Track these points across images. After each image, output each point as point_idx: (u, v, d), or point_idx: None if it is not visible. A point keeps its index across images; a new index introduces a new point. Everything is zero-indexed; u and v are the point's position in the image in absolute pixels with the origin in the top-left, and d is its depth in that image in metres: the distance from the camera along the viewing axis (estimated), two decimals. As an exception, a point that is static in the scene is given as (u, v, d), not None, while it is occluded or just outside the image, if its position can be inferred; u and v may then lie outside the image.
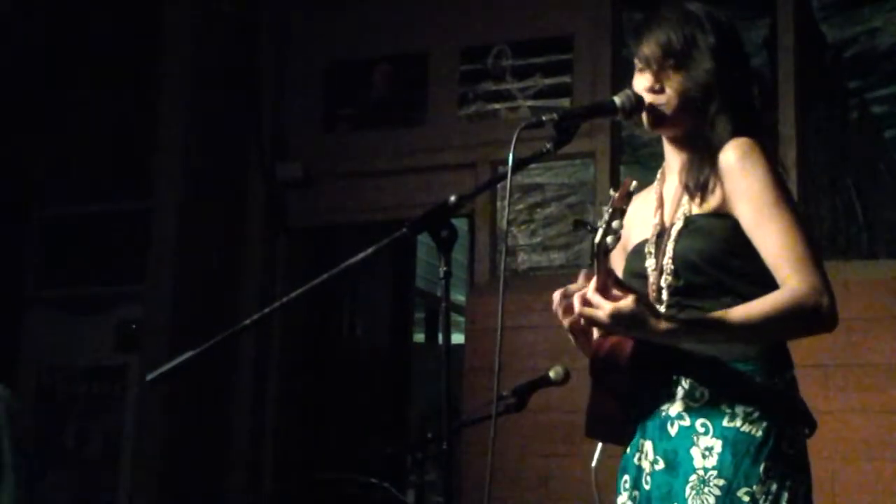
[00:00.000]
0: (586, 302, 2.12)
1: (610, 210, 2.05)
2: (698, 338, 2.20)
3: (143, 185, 5.50)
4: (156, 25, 5.54)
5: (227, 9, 5.65)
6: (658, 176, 2.47)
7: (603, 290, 2.11)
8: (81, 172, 5.77)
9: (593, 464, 2.48)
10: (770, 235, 2.20)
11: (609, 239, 2.05)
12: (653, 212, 2.40)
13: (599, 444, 2.48)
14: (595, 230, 2.07)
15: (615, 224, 2.04)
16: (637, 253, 2.38)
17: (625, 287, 2.14)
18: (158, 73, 5.51)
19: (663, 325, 2.14)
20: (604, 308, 2.09)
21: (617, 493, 2.37)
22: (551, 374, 3.40)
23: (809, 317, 2.18)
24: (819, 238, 4.53)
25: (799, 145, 4.60)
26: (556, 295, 2.21)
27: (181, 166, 5.41)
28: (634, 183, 2.08)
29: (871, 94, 4.61)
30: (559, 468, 4.68)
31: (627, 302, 2.09)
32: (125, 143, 5.67)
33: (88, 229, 5.85)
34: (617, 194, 2.06)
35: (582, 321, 2.16)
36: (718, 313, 2.17)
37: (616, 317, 2.09)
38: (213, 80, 5.54)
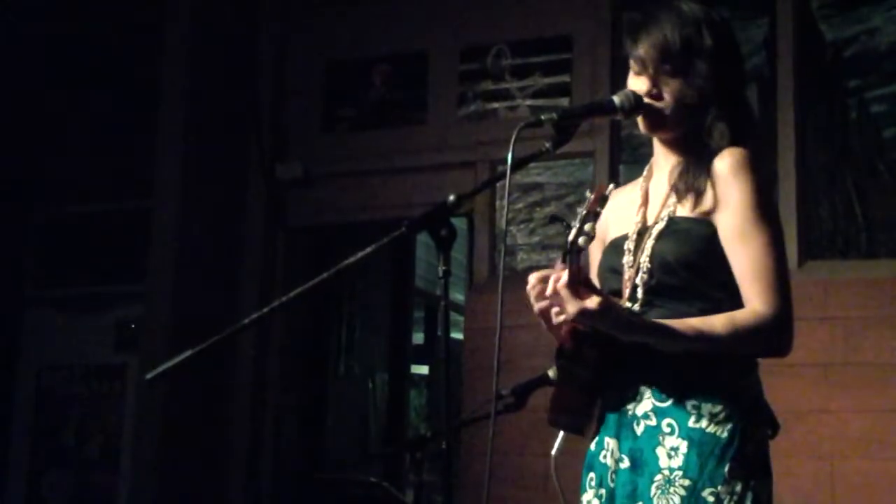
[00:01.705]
0: (556, 292, 2.14)
1: (584, 213, 2.07)
2: (657, 342, 2.20)
3: (142, 185, 5.50)
4: (156, 25, 5.54)
5: (227, 9, 5.65)
6: (645, 172, 2.47)
7: (572, 287, 2.11)
8: (81, 171, 5.77)
9: (553, 452, 2.49)
10: (744, 254, 2.21)
11: (581, 240, 2.07)
12: (636, 208, 2.40)
13: (561, 433, 2.48)
14: (569, 227, 2.09)
15: (587, 227, 2.06)
16: (615, 248, 2.38)
17: (592, 287, 2.16)
18: (158, 73, 5.51)
19: (626, 327, 2.17)
20: (571, 303, 2.11)
21: (582, 490, 2.37)
22: (550, 373, 3.39)
23: (766, 342, 2.21)
24: (819, 237, 4.53)
25: (798, 144, 4.60)
26: (532, 277, 2.21)
27: (181, 166, 5.41)
28: (611, 187, 2.10)
29: (870, 93, 4.61)
30: (558, 467, 4.68)
31: (592, 303, 2.10)
32: (125, 142, 5.67)
33: (88, 228, 5.85)
34: (592, 197, 2.07)
35: (552, 311, 2.17)
36: (680, 323, 2.18)
37: (582, 314, 2.11)
38: (212, 80, 5.54)
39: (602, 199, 2.07)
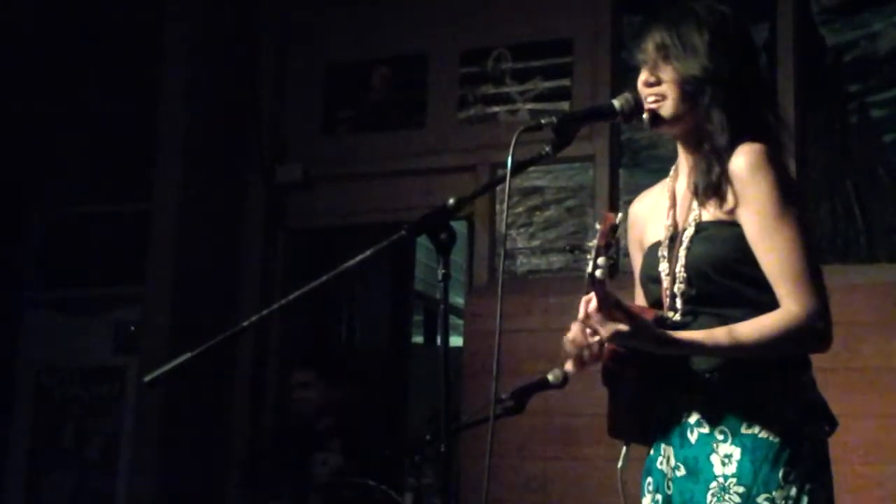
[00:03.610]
0: (588, 315, 2.15)
1: (595, 247, 2.06)
2: (693, 355, 2.21)
3: (142, 187, 5.50)
4: (156, 27, 5.54)
5: (228, 11, 5.65)
6: (671, 172, 2.46)
7: (604, 310, 2.12)
8: (81, 173, 5.77)
9: (619, 464, 2.48)
10: (771, 252, 2.19)
11: (599, 272, 2.07)
12: (665, 211, 2.39)
13: (624, 446, 2.48)
14: (581, 252, 2.09)
15: (601, 261, 2.06)
16: (651, 255, 2.38)
17: (623, 308, 2.15)
18: (158, 75, 5.51)
19: (658, 343, 2.17)
20: (604, 326, 2.12)
21: (641, 494, 2.38)
22: (550, 377, 3.39)
23: (802, 340, 2.20)
24: (819, 241, 4.53)
25: (798, 148, 4.59)
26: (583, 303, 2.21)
27: (180, 168, 5.41)
28: (620, 215, 2.08)
29: (870, 97, 4.61)
30: (557, 471, 4.68)
31: (624, 326, 2.12)
32: (125, 144, 5.67)
33: (87, 230, 5.85)
34: (600, 230, 2.07)
35: (586, 332, 2.19)
36: (714, 333, 2.18)
37: (615, 336, 2.13)
38: (213, 82, 5.54)
39: (612, 230, 2.07)
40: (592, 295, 2.12)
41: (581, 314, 2.15)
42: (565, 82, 5.15)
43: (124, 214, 5.72)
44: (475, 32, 5.37)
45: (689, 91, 2.28)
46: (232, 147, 5.63)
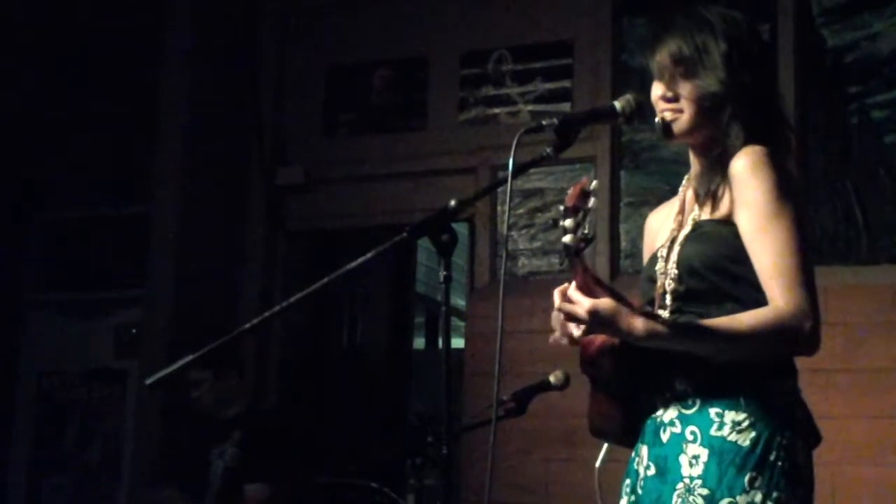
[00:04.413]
0: (567, 298, 2.12)
1: (562, 209, 2.03)
2: (675, 344, 2.17)
3: (142, 189, 5.50)
4: (156, 28, 5.55)
5: (228, 14, 5.65)
6: (684, 181, 2.46)
7: (584, 290, 2.11)
8: (81, 176, 5.77)
9: (597, 464, 2.47)
10: (763, 251, 2.18)
11: (568, 238, 2.03)
12: (673, 216, 2.41)
13: (605, 446, 2.47)
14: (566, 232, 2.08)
15: (568, 223, 2.03)
16: (652, 258, 2.39)
17: (605, 287, 2.14)
18: (159, 78, 5.51)
19: (640, 327, 2.13)
20: (583, 305, 2.10)
21: (619, 496, 2.37)
22: (551, 378, 3.40)
23: (788, 339, 2.16)
24: (819, 242, 4.53)
25: (799, 150, 4.60)
26: (557, 293, 2.19)
27: (181, 170, 5.41)
28: (595, 182, 2.05)
29: (870, 99, 4.61)
30: (559, 472, 4.68)
31: (605, 301, 2.10)
32: (125, 146, 5.67)
33: (88, 233, 5.86)
34: (570, 192, 2.04)
35: (570, 325, 2.15)
36: (698, 323, 2.17)
37: (593, 314, 2.09)
38: (213, 85, 5.55)
39: (583, 195, 2.03)
40: (565, 285, 2.12)
41: (556, 302, 2.13)
42: (566, 84, 5.16)
43: (125, 217, 5.72)
44: (475, 34, 5.37)
45: (706, 107, 2.27)
46: (232, 149, 5.63)
